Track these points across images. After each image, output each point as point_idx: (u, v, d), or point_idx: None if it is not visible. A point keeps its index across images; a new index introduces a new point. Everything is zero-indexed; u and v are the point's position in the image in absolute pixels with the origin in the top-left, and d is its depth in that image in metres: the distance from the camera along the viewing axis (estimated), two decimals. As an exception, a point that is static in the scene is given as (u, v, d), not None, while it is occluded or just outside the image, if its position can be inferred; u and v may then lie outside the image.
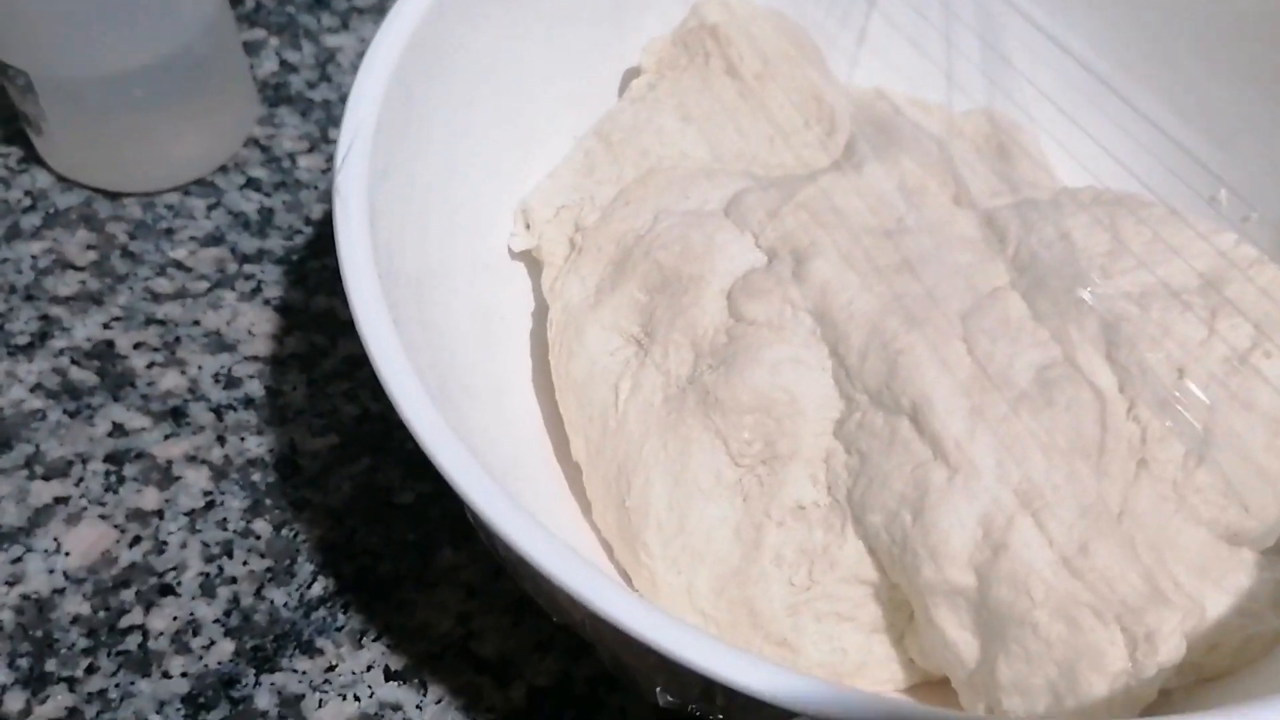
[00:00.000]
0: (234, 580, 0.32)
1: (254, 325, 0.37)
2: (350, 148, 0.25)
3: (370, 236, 0.24)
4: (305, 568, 0.33)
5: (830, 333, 0.29)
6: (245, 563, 0.33)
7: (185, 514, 0.33)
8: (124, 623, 0.31)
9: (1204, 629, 0.26)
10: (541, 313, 0.33)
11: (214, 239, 0.39)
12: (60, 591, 0.32)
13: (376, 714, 0.30)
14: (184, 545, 0.33)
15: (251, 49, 0.43)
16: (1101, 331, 0.28)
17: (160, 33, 0.35)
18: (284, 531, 0.33)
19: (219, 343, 0.37)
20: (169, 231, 0.39)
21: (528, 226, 0.33)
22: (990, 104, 0.37)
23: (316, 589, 0.32)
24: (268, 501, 0.34)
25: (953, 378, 0.27)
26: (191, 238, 0.39)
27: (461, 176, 0.31)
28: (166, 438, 0.35)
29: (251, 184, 0.40)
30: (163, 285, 0.38)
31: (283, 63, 0.43)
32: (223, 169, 0.40)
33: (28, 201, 0.39)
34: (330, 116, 0.42)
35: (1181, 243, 0.30)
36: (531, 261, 0.34)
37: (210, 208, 0.39)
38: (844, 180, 0.31)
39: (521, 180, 0.34)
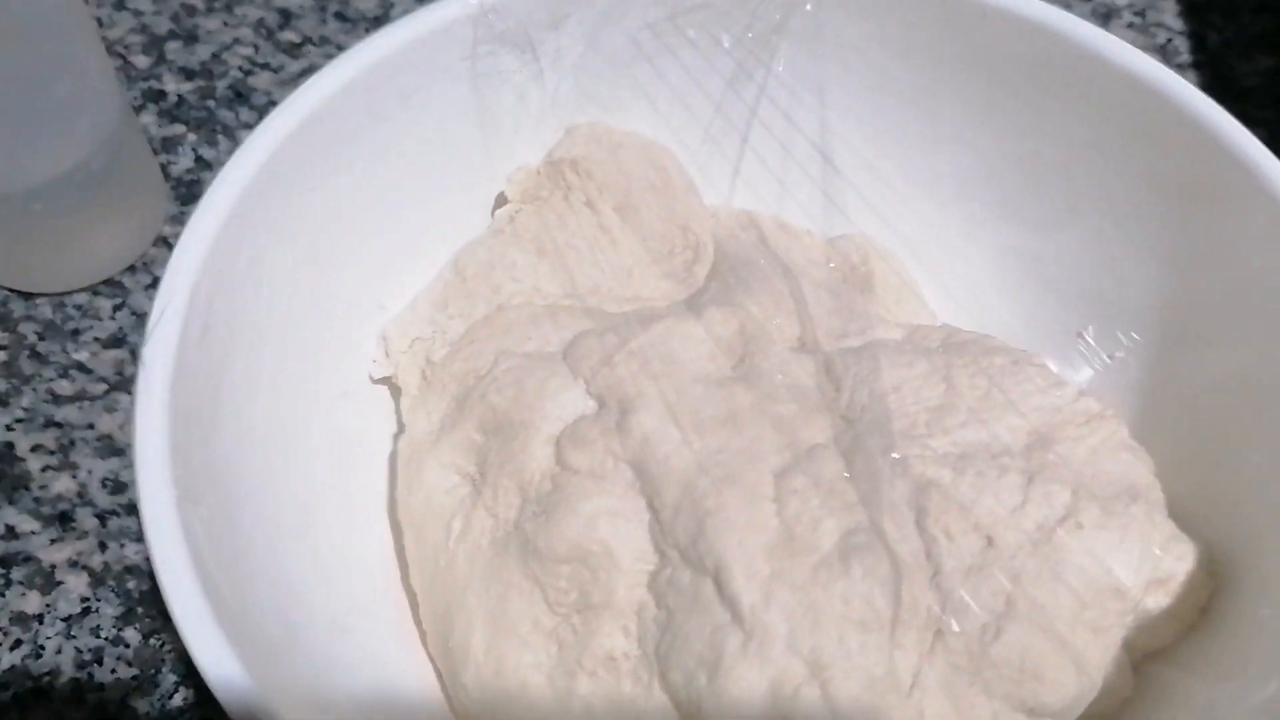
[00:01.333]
0: (102, 688, 0.34)
1: (145, 430, 0.38)
2: (162, 315, 0.26)
3: (170, 414, 0.25)
4: (168, 678, 0.34)
5: (648, 486, 0.29)
6: (114, 670, 0.34)
7: (63, 619, 0.35)
8: (-4, 726, 0.33)
9: (992, 804, 0.26)
10: (400, 436, 0.34)
11: (116, 340, 0.40)
12: (-62, 694, 0.33)
13: (220, 830, 0.32)
14: (59, 651, 0.34)
15: (169, 145, 0.45)
16: (912, 496, 0.28)
17: (55, 151, 0.37)
18: (152, 640, 0.35)
19: (110, 447, 0.38)
20: (75, 332, 0.40)
21: (387, 354, 0.34)
22: (865, 230, 0.37)
23: (177, 700, 0.34)
24: (139, 610, 0.35)
25: (756, 541, 0.28)
26: (95, 339, 0.40)
27: (316, 314, 0.32)
28: (53, 542, 0.36)
29: (156, 284, 0.41)
30: (64, 387, 0.39)
31: (198, 159, 0.44)
32: (131, 268, 0.42)
33: (-53, 297, 0.41)
34: (243, 213, 0.43)
35: (1016, 398, 0.31)
36: (395, 386, 0.35)
37: (116, 308, 0.41)
38: (684, 326, 0.32)
39: (390, 305, 0.35)
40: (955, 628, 0.27)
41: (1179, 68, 0.48)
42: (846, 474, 0.29)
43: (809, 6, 0.34)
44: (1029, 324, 0.35)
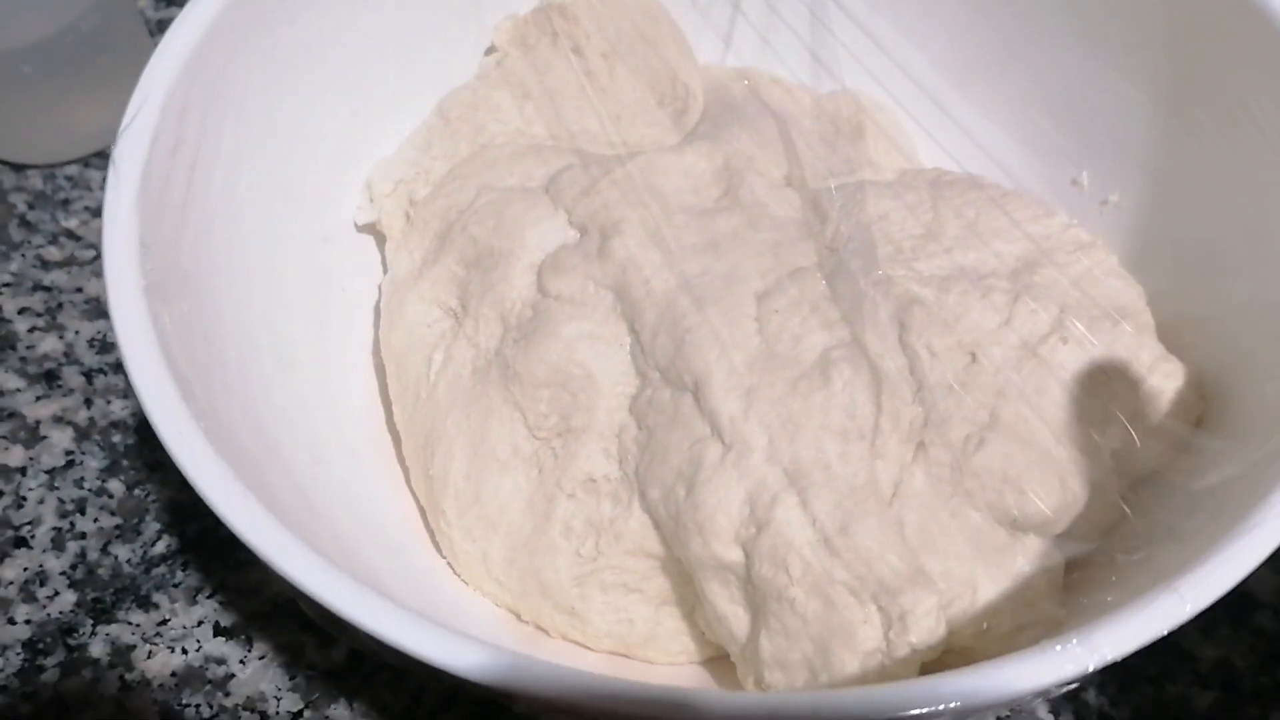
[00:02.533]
0: (84, 536, 0.34)
1: (133, 293, 0.38)
2: (135, 116, 0.26)
3: (138, 214, 0.25)
4: (152, 526, 0.34)
5: (629, 310, 0.29)
6: (96, 520, 0.34)
7: (46, 471, 0.35)
8: (-22, 571, 0.33)
9: (974, 611, 0.26)
10: (385, 283, 0.34)
11: (105, 209, 0.40)
12: (-77, 540, 0.33)
13: (201, 667, 0.32)
14: (41, 501, 0.34)
15: (164, 26, 0.44)
16: (895, 314, 0.28)
17: (44, 13, 0.37)
18: (136, 491, 0.34)
19: (98, 309, 0.38)
20: (65, 202, 0.40)
21: (371, 200, 0.34)
22: (858, 85, 0.36)
23: (160, 547, 0.34)
24: (124, 463, 0.35)
25: (736, 356, 0.27)
26: (85, 208, 0.40)
27: (296, 153, 0.32)
28: (38, 399, 0.36)
29: (147, 157, 0.41)
30: (53, 253, 0.39)
31: (191, 40, 0.44)
32: (121, 142, 0.42)
33: (-61, 172, 0.41)
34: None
35: (1002, 227, 0.30)
36: (379, 233, 0.34)
37: (106, 179, 0.41)
38: (666, 159, 0.31)
39: (376, 154, 0.35)
40: (940, 439, 0.27)
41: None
42: (829, 295, 0.28)
43: None
44: (1023, 172, 0.34)
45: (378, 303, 0.34)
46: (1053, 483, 0.26)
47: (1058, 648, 0.19)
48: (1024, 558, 0.26)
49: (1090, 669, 0.19)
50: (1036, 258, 0.29)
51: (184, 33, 0.28)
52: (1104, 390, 0.27)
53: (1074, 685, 0.21)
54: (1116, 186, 0.33)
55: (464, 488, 0.29)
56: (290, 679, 0.31)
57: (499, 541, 0.29)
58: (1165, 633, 0.19)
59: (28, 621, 0.32)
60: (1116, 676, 0.31)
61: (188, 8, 0.28)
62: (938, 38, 0.36)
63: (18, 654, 0.32)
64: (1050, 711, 0.31)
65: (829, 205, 0.31)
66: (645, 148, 0.34)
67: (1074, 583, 0.26)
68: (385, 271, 0.34)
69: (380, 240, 0.35)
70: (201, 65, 0.28)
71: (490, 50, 0.35)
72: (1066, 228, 0.30)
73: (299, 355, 0.31)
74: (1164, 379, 0.28)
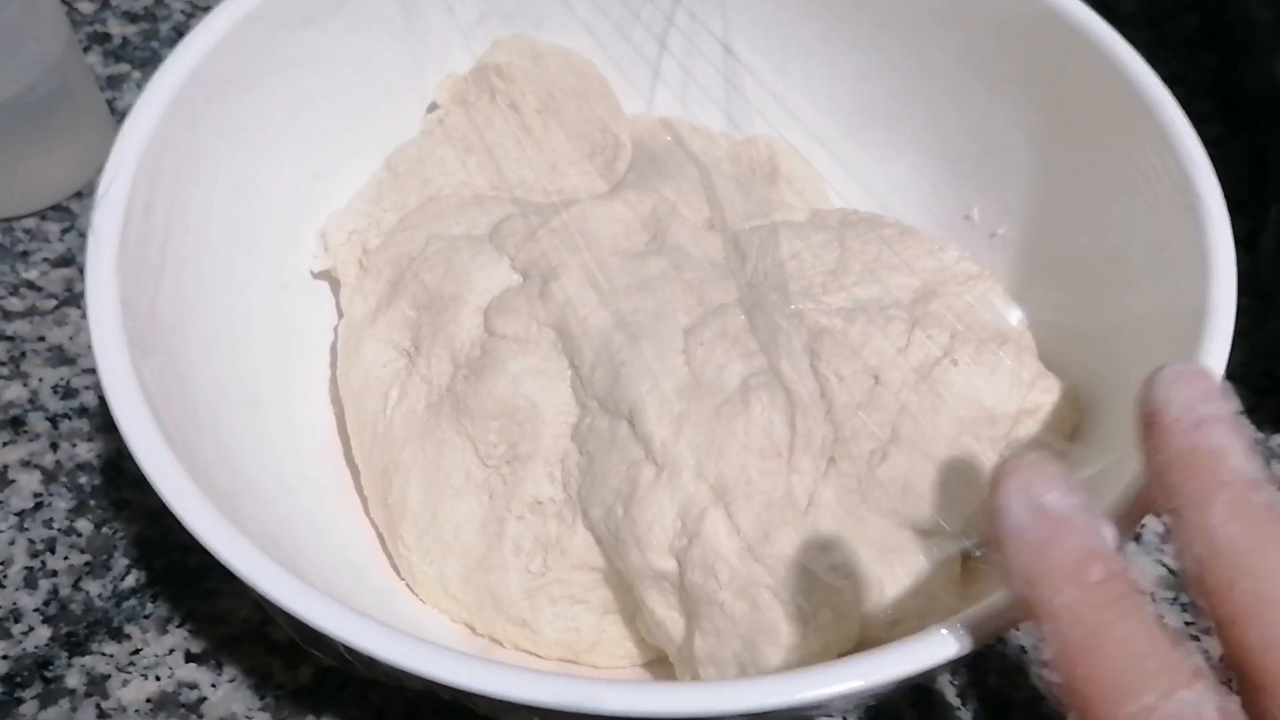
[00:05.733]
0: (55, 573, 0.36)
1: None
2: (109, 186, 0.28)
3: (118, 276, 0.27)
4: (120, 562, 0.36)
5: (569, 346, 0.32)
6: (66, 557, 0.36)
7: (15, 514, 0.37)
8: (-47, 611, 0.34)
9: (883, 605, 0.29)
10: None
11: (65, 260, 0.42)
12: (-103, 584, 0.35)
13: (174, 692, 0.33)
14: (12, 542, 0.36)
15: (114, 82, 0.47)
16: (807, 343, 0.31)
17: (3, 76, 0.38)
18: (104, 529, 0.36)
19: (61, 356, 0.40)
20: (25, 254, 0.42)
21: (326, 249, 0.36)
22: (772, 130, 0.40)
23: (129, 581, 0.35)
24: (91, 502, 0.37)
25: (665, 386, 0.30)
26: (44, 259, 0.42)
27: (255, 208, 0.34)
28: (4, 444, 0.38)
29: (103, 209, 0.43)
30: (14, 304, 0.41)
31: (142, 95, 0.46)
32: (78, 194, 0.43)
33: (-102, 227, 0.43)
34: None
35: (902, 261, 0.34)
36: (334, 279, 0.37)
37: (64, 231, 0.43)
38: (600, 207, 0.34)
39: (329, 206, 0.37)
40: (848, 454, 0.30)
41: None
42: (748, 328, 0.32)
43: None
44: (922, 208, 0.38)
45: (333, 344, 0.37)
46: (946, 489, 0.30)
47: (944, 631, 0.23)
48: (925, 557, 0.30)
49: (963, 653, 0.22)
50: (931, 289, 0.33)
51: (150, 104, 0.30)
52: (989, 405, 0.31)
53: (954, 666, 0.25)
54: (1003, 220, 0.37)
55: (421, 513, 0.32)
56: (260, 699, 0.34)
57: (454, 561, 0.31)
58: (1019, 624, 0.23)
59: (4, 657, 0.34)
60: (1016, 660, 0.34)
61: (152, 81, 0.31)
62: (841, 86, 0.39)
63: (-4, 688, 0.33)
64: (958, 695, 0.34)
65: (747, 246, 0.34)
66: (579, 195, 0.37)
67: (983, 577, 0.29)
68: (340, 316, 0.37)
69: (334, 286, 0.37)
70: (167, 134, 0.30)
71: (433, 107, 0.38)
72: (958, 261, 0.34)
73: (263, 396, 0.33)
74: (1041, 394, 0.31)
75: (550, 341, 0.32)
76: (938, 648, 0.22)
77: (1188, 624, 0.35)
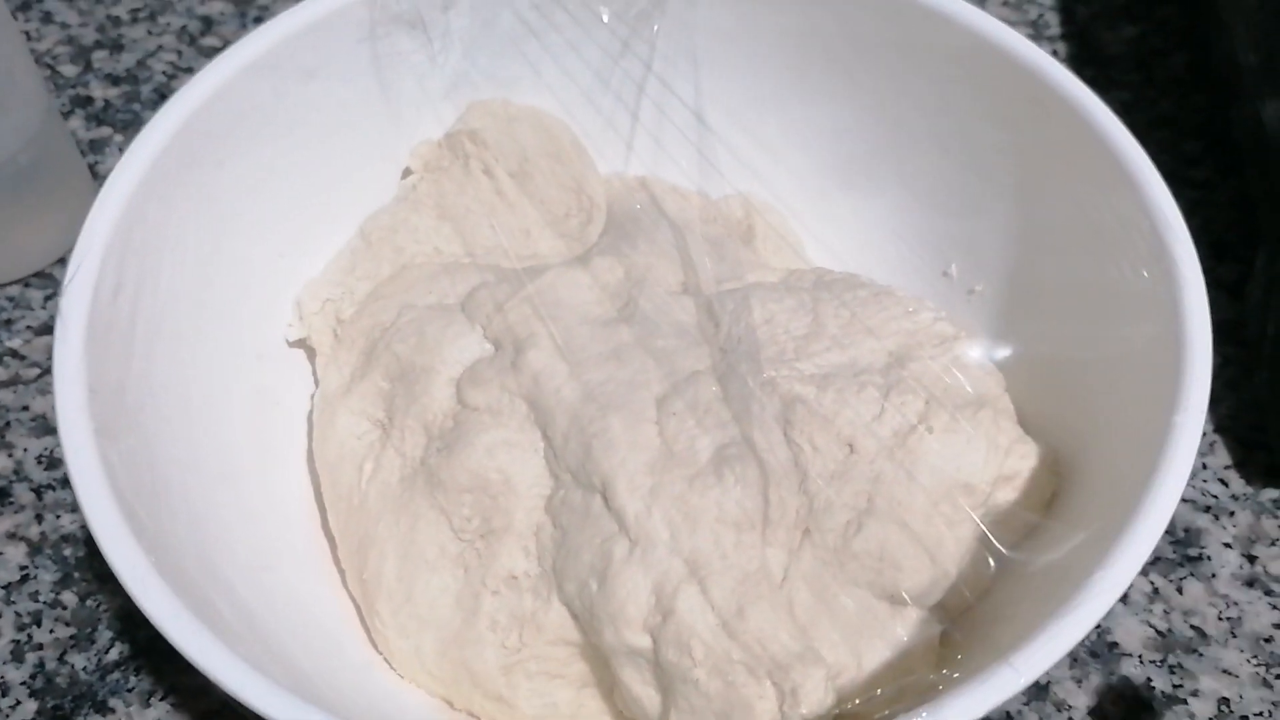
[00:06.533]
0: (41, 647, 0.36)
1: (78, 408, 0.40)
2: (77, 270, 0.28)
3: (85, 362, 0.27)
4: (104, 635, 0.36)
5: (541, 417, 0.32)
6: (52, 630, 0.36)
7: (3, 587, 0.37)
8: (-64, 688, 0.35)
9: (860, 679, 0.29)
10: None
11: (48, 328, 0.42)
12: (-119, 660, 0.35)
13: (156, 768, 0.33)
14: (0, 616, 0.36)
15: (97, 146, 0.47)
16: (780, 412, 0.31)
17: (-16, 147, 0.39)
18: (88, 602, 0.36)
19: (45, 426, 0.40)
20: (8, 322, 0.42)
21: (300, 318, 0.36)
22: (747, 189, 0.40)
23: (113, 654, 0.35)
24: (76, 574, 0.37)
25: (638, 458, 0.30)
26: (28, 327, 0.42)
27: (228, 280, 0.34)
28: (-10, 516, 0.38)
29: (88, 274, 0.44)
30: (-2, 373, 0.41)
31: (127, 158, 0.47)
32: (60, 260, 0.44)
33: (-115, 295, 0.43)
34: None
35: (876, 324, 0.33)
36: (310, 348, 0.37)
37: (47, 298, 0.43)
38: (572, 274, 0.34)
39: (304, 273, 0.37)
40: (824, 525, 0.30)
41: (1050, 39, 0.52)
42: (722, 397, 0.32)
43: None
44: (899, 266, 0.38)
45: (310, 413, 0.37)
46: (924, 560, 0.30)
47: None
48: (902, 629, 0.29)
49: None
50: (907, 352, 0.33)
51: (120, 183, 0.30)
52: (965, 474, 0.30)
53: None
54: (981, 277, 0.37)
55: (396, 588, 0.32)
56: (241, 774, 0.33)
57: (430, 636, 0.31)
58: (1001, 702, 0.23)
59: (-13, 734, 0.34)
60: (1001, 725, 0.34)
61: (124, 158, 0.31)
62: (817, 143, 0.39)
63: (-21, 766, 0.33)
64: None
65: (720, 310, 0.34)
66: (553, 258, 0.37)
67: (954, 652, 0.29)
68: (316, 383, 0.37)
69: (310, 353, 0.37)
70: (137, 212, 0.30)
71: (407, 173, 0.38)
72: (934, 321, 0.34)
73: (241, 468, 0.33)
74: (1019, 460, 0.31)
75: (523, 413, 0.32)
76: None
77: (1176, 686, 0.34)
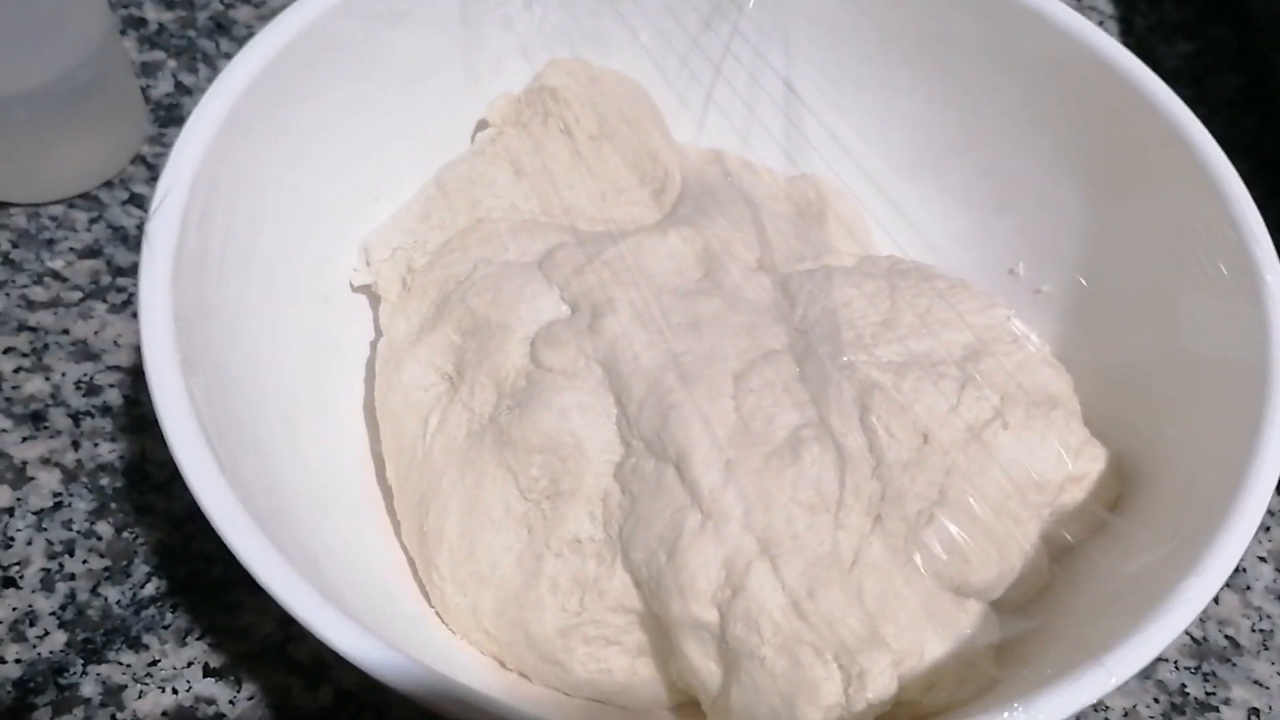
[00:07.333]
0: (73, 577, 0.35)
1: (120, 336, 0.39)
2: (166, 195, 0.28)
3: (172, 290, 0.26)
4: (141, 569, 0.35)
5: (616, 383, 0.31)
6: (85, 561, 0.35)
7: (34, 513, 0.36)
8: (-34, 611, 0.34)
9: (921, 669, 0.29)
10: (379, 343, 0.36)
11: (92, 251, 0.41)
12: (-90, 578, 0.34)
13: (191, 707, 0.33)
14: (30, 542, 0.35)
15: (149, 70, 0.46)
16: (857, 397, 0.31)
17: (41, 61, 0.38)
18: (125, 534, 0.36)
19: (84, 352, 0.39)
20: (50, 242, 0.41)
21: (368, 264, 0.36)
22: (819, 170, 0.40)
23: (149, 589, 0.35)
24: (113, 505, 0.36)
25: (715, 432, 0.30)
26: (71, 249, 0.41)
27: (302, 218, 0.34)
28: (25, 440, 0.37)
29: (134, 200, 0.43)
30: (38, 293, 0.40)
31: (178, 84, 0.45)
32: (108, 184, 0.43)
33: (-81, 205, 0.42)
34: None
35: (952, 317, 0.33)
36: (374, 295, 0.36)
37: (92, 221, 0.42)
38: (652, 241, 0.34)
39: (372, 219, 0.37)
40: (895, 513, 0.30)
41: (1106, 50, 0.52)
42: (799, 377, 0.31)
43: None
44: (966, 259, 0.38)
45: (369, 361, 0.36)
46: (991, 554, 0.30)
47: (1005, 714, 0.22)
48: (966, 622, 0.30)
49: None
50: (980, 348, 0.33)
51: (210, 111, 0.30)
52: (1038, 471, 0.31)
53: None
54: (1048, 278, 0.37)
55: (458, 544, 0.31)
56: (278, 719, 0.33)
57: (489, 595, 0.31)
58: (1093, 702, 0.23)
59: (18, 661, 0.33)
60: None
61: (214, 85, 0.30)
62: (892, 130, 0.39)
63: (9, 692, 0.33)
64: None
65: (798, 290, 0.34)
66: (626, 225, 0.37)
67: (1019, 646, 0.29)
68: (377, 332, 0.36)
69: (373, 301, 0.37)
70: (225, 142, 0.30)
71: (483, 125, 0.38)
72: (1006, 319, 0.34)
73: (301, 413, 0.33)
74: (1089, 462, 0.31)
75: (598, 378, 0.32)
76: None
77: (1209, 694, 0.35)
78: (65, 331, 0.39)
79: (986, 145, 0.38)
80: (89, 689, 0.33)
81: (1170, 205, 0.33)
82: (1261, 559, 0.38)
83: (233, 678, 0.34)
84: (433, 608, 0.32)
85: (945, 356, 0.32)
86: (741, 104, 0.39)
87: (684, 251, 0.34)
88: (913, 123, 0.39)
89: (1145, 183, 0.34)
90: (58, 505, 0.36)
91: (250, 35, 0.46)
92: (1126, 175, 0.35)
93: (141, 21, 0.47)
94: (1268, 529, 0.38)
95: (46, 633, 0.34)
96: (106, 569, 0.35)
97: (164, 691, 0.33)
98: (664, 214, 0.37)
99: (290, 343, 0.33)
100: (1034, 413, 0.31)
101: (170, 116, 0.45)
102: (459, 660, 0.32)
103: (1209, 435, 0.29)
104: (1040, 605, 0.31)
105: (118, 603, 0.35)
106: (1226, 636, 0.36)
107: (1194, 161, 0.32)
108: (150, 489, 0.37)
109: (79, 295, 0.40)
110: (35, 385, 0.38)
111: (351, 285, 0.36)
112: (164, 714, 0.33)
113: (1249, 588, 0.37)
